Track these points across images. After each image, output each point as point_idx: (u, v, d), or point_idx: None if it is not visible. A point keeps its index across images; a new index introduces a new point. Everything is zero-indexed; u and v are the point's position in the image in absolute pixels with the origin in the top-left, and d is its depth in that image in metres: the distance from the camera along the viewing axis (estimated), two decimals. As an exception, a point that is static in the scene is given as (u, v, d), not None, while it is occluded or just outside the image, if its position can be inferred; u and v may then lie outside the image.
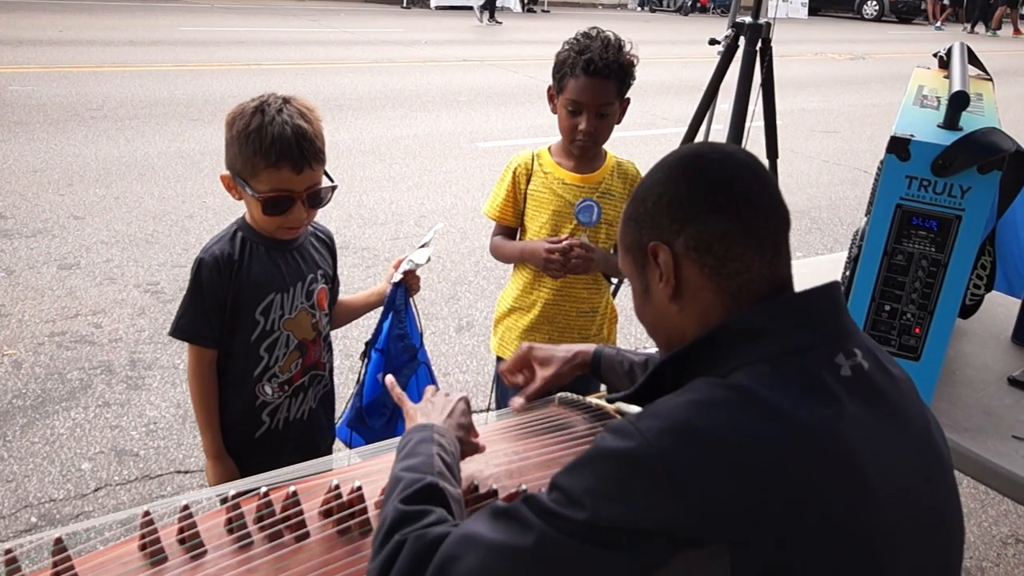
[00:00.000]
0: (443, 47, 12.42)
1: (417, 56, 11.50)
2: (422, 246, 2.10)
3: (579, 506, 0.94)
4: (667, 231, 1.08)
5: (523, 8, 18.59)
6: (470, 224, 5.35)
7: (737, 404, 0.95)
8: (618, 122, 2.18)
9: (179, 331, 1.83)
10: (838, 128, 9.07)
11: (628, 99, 2.17)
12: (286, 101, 1.77)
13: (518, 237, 2.32)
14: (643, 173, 2.25)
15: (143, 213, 5.18)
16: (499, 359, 2.41)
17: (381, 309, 2.09)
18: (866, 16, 22.76)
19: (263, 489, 1.36)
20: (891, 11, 22.61)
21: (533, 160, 2.25)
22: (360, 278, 4.46)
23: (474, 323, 4.13)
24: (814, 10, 22.24)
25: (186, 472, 2.86)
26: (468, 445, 1.39)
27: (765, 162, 3.12)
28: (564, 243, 2.13)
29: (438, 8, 17.40)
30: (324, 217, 5.35)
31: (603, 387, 1.80)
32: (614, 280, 2.43)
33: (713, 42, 3.05)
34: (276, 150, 1.70)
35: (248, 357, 1.87)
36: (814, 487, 0.92)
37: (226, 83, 8.69)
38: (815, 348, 1.02)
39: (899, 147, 1.63)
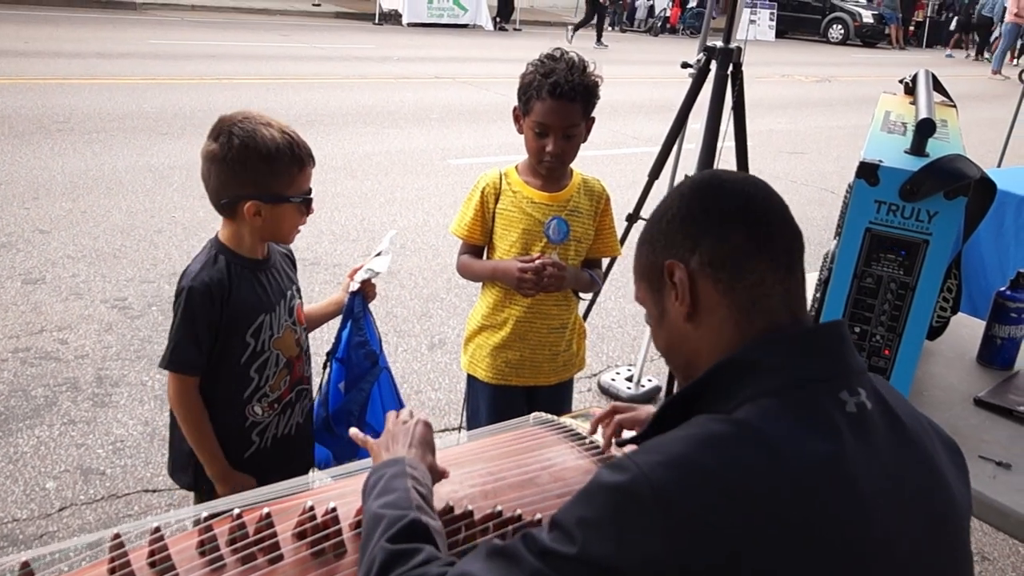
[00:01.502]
0: (415, 64, 12.44)
1: (389, 73, 11.50)
2: (378, 254, 2.10)
3: (571, 541, 0.94)
4: (682, 249, 1.09)
5: (494, 26, 18.68)
6: (442, 241, 5.34)
7: (734, 438, 0.95)
8: (584, 140, 2.21)
9: (175, 364, 1.81)
10: (805, 149, 9.20)
11: (593, 118, 2.19)
12: (255, 116, 1.81)
13: (485, 256, 2.33)
14: (608, 191, 2.31)
15: (111, 227, 5.12)
16: (470, 377, 2.41)
17: (339, 319, 2.10)
18: (832, 39, 23.17)
19: (236, 511, 1.34)
20: (856, 35, 23.03)
21: (501, 179, 2.26)
22: (331, 294, 4.43)
23: (446, 340, 4.12)
24: (781, 33, 22.60)
25: (154, 491, 2.82)
26: (435, 471, 1.38)
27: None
28: (537, 262, 2.14)
29: (410, 25, 17.43)
30: (295, 233, 5.23)
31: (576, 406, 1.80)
32: (584, 296, 2.45)
33: (685, 65, 3.09)
34: (300, 152, 1.80)
35: (237, 379, 1.86)
36: (808, 523, 0.92)
37: (196, 97, 8.62)
38: (820, 382, 1.01)
39: (868, 172, 1.66)
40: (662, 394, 3.80)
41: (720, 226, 1.07)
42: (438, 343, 4.11)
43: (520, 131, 2.20)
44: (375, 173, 6.71)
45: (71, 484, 2.82)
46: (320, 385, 2.14)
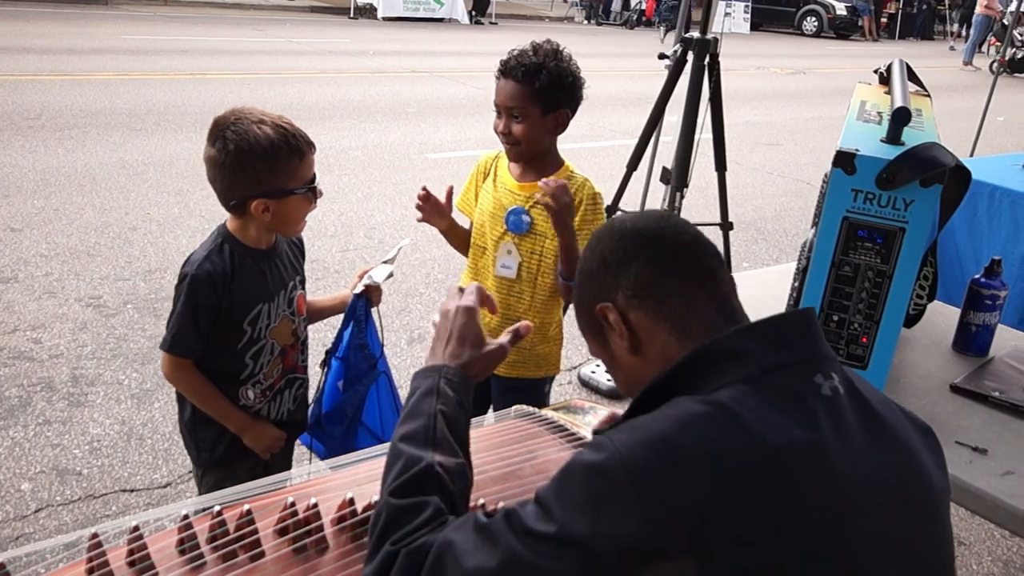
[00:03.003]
0: (391, 58, 12.38)
1: (365, 67, 11.44)
2: (385, 261, 2.10)
3: (550, 519, 0.94)
4: (607, 292, 1.15)
5: (471, 20, 18.63)
6: (420, 236, 5.30)
7: (711, 418, 0.96)
8: (552, 133, 2.17)
9: (174, 347, 1.85)
10: (781, 141, 9.26)
11: (565, 111, 2.15)
12: (248, 113, 1.81)
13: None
14: (597, 189, 2.29)
15: (84, 225, 5.06)
16: None
17: (342, 317, 2.09)
18: (806, 32, 23.29)
19: (216, 508, 1.33)
20: (830, 27, 23.17)
21: (495, 160, 2.30)
22: (310, 290, 4.39)
23: (426, 335, 4.10)
24: (756, 25, 22.68)
25: (132, 491, 2.79)
26: (482, 361, 1.31)
27: (713, 175, 3.18)
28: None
29: (385, 19, 17.34)
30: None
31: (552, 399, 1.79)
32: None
33: (662, 56, 3.09)
34: (298, 142, 1.80)
35: (233, 363, 1.90)
36: (785, 506, 0.93)
37: (170, 93, 8.54)
38: (793, 367, 1.03)
39: (845, 161, 1.67)
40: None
41: (632, 260, 1.13)
42: (417, 338, 4.10)
43: None
44: (352, 168, 6.67)
45: (47, 485, 2.79)
46: (319, 382, 2.13)
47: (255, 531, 1.30)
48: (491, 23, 19.00)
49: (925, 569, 1.03)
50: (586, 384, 3.76)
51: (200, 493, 2.04)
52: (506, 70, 2.09)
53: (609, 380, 3.72)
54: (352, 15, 17.41)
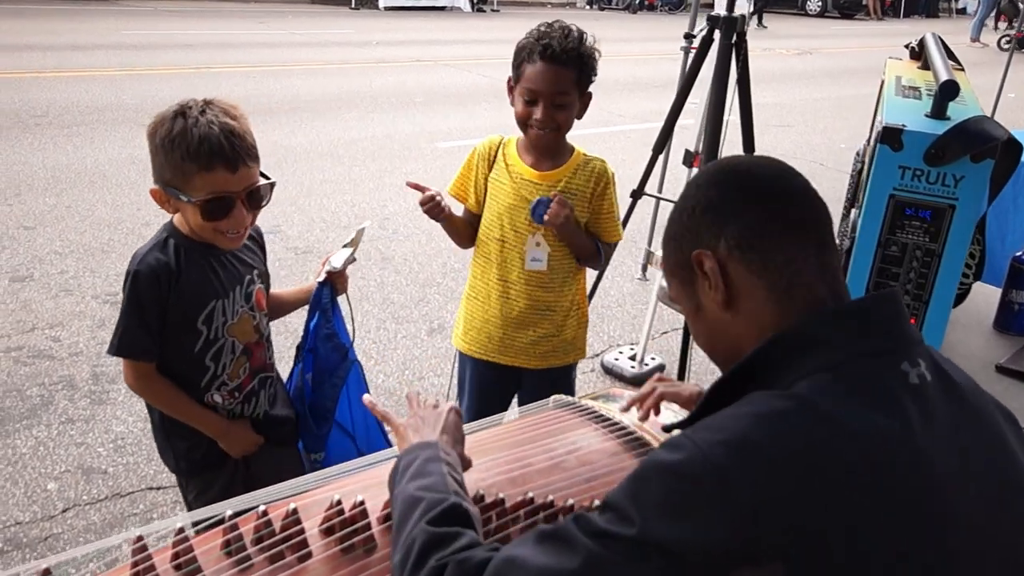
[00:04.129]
0: (395, 48, 12.30)
1: (369, 57, 11.37)
2: (345, 245, 2.03)
3: (628, 522, 0.89)
4: (707, 237, 1.07)
5: (472, 7, 18.52)
6: (435, 226, 5.18)
7: (797, 414, 0.91)
8: (579, 117, 2.12)
9: (122, 349, 1.75)
10: (792, 122, 9.17)
11: (590, 93, 2.11)
12: (207, 103, 1.71)
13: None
14: (611, 170, 2.24)
15: (96, 222, 5.03)
16: (458, 351, 2.36)
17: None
18: (810, 12, 23.13)
19: (261, 507, 1.30)
20: (833, 7, 23.00)
21: (500, 147, 2.19)
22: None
23: (445, 325, 4.07)
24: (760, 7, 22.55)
25: (158, 488, 2.76)
26: (464, 460, 1.32)
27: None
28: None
29: (387, 9, 17.25)
30: (287, 221, 5.23)
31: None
32: (592, 268, 2.36)
33: (689, 36, 3.03)
34: (206, 151, 1.64)
35: (193, 368, 1.81)
36: (880, 496, 0.88)
37: (175, 87, 8.48)
38: (879, 355, 0.97)
39: (892, 137, 1.62)
40: (666, 372, 3.77)
41: (743, 209, 1.05)
42: (437, 328, 4.06)
43: (513, 104, 2.12)
44: (362, 159, 6.62)
45: (73, 484, 2.76)
46: (290, 375, 2.08)
47: (301, 531, 1.27)
48: (493, 11, 18.90)
49: (1020, 559, 0.99)
50: (609, 371, 3.72)
51: (186, 501, 1.96)
52: (550, 54, 1.98)
53: (633, 367, 3.68)
54: (353, 5, 17.34)
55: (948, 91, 1.63)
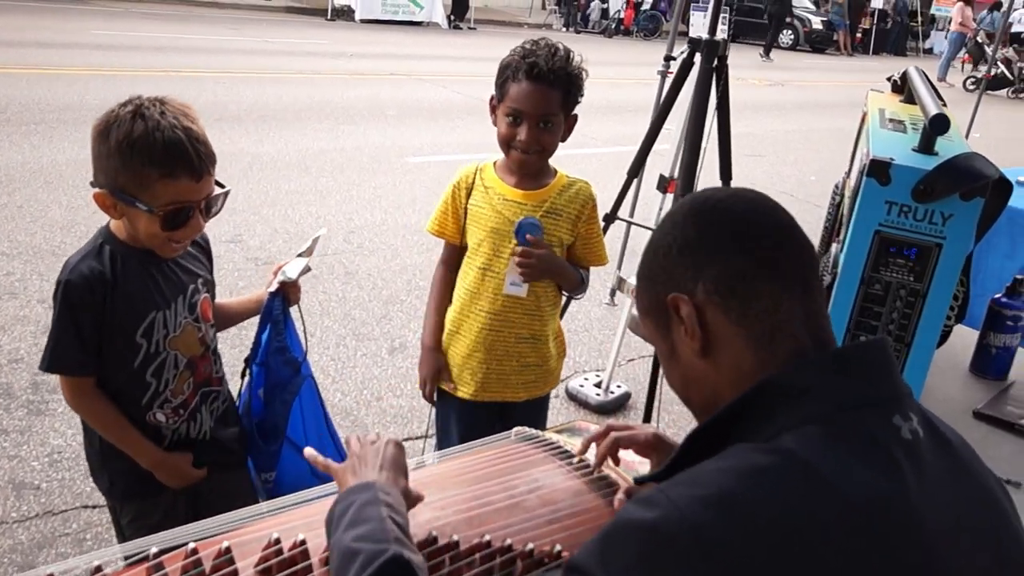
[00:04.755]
0: (369, 60, 12.20)
1: (343, 69, 11.26)
2: (300, 255, 1.92)
3: None
4: (684, 280, 0.99)
5: (449, 25, 18.49)
6: (401, 241, 5.18)
7: (783, 472, 0.83)
8: (563, 139, 2.05)
9: (55, 364, 1.62)
10: (763, 152, 9.21)
11: (575, 115, 2.04)
12: (161, 102, 1.59)
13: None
14: (595, 193, 2.17)
15: (49, 223, 4.84)
16: (439, 389, 2.25)
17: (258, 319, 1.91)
18: (782, 45, 23.43)
19: (191, 545, 1.18)
20: (805, 40, 23.31)
21: (476, 173, 2.10)
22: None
23: (407, 344, 3.96)
24: (732, 37, 22.79)
25: (94, 507, 2.61)
26: (409, 496, 1.22)
27: (717, 181, 3.07)
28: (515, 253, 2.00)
29: (363, 21, 17.15)
30: (248, 231, 5.08)
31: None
32: (576, 296, 2.29)
33: (668, 59, 2.98)
34: (171, 158, 1.52)
35: (133, 385, 1.68)
36: (867, 568, 0.80)
37: (143, 90, 8.05)
38: (870, 407, 0.90)
39: (879, 171, 1.56)
40: (632, 401, 3.69)
41: (723, 251, 0.98)
42: (399, 347, 3.94)
43: (495, 123, 2.04)
44: (331, 170, 6.49)
45: (1, 500, 2.60)
46: (239, 391, 1.96)
47: (235, 572, 1.16)
48: (470, 28, 18.89)
49: None
50: (574, 398, 3.63)
51: (119, 530, 1.83)
52: (536, 73, 1.90)
53: (598, 395, 3.59)
54: (329, 17, 17.21)
55: (938, 125, 1.57)
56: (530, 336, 2.14)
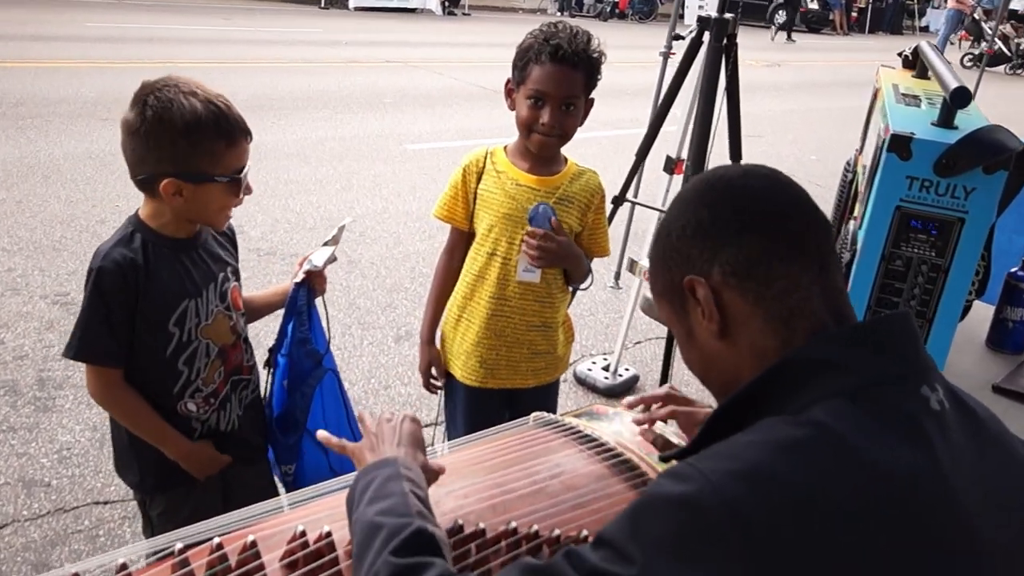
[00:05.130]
0: (365, 48, 12.13)
1: (338, 57, 11.19)
2: (325, 244, 1.90)
3: (627, 560, 0.80)
4: (699, 262, 0.97)
5: (443, 11, 18.38)
6: (403, 228, 5.15)
7: (817, 445, 0.82)
8: (581, 123, 2.02)
9: (82, 352, 1.61)
10: (762, 132, 9.16)
11: (592, 99, 2.01)
12: (181, 80, 1.62)
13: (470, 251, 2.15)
14: (602, 181, 2.15)
15: (49, 218, 4.81)
16: (448, 375, 2.23)
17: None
18: (777, 24, 23.35)
19: (216, 540, 1.16)
20: (801, 21, 23.22)
21: (486, 157, 2.07)
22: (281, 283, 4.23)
23: (413, 332, 3.93)
24: (729, 18, 22.65)
25: (105, 503, 2.59)
26: (428, 471, 1.22)
27: (726, 161, 3.04)
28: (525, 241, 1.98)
29: (357, 9, 17.05)
30: (250, 221, 5.06)
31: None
32: (582, 287, 2.27)
33: (677, 38, 2.95)
34: (229, 126, 1.58)
35: (165, 374, 1.67)
36: (906, 538, 0.79)
37: (137, 81, 8.05)
38: (897, 380, 0.88)
39: (900, 146, 1.53)
40: (640, 383, 3.67)
41: (738, 232, 0.96)
42: (405, 335, 3.92)
43: (512, 107, 2.01)
44: (330, 159, 6.46)
45: (12, 498, 2.58)
46: (266, 382, 1.95)
47: (261, 567, 1.14)
48: (464, 14, 18.79)
49: None
50: (582, 382, 3.61)
51: (148, 522, 1.82)
52: (561, 55, 1.87)
53: (607, 378, 3.58)
54: (323, 5, 17.12)
55: (959, 98, 1.55)
56: (541, 324, 2.12)
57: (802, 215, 0.97)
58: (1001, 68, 17.16)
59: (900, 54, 2.47)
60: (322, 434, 1.34)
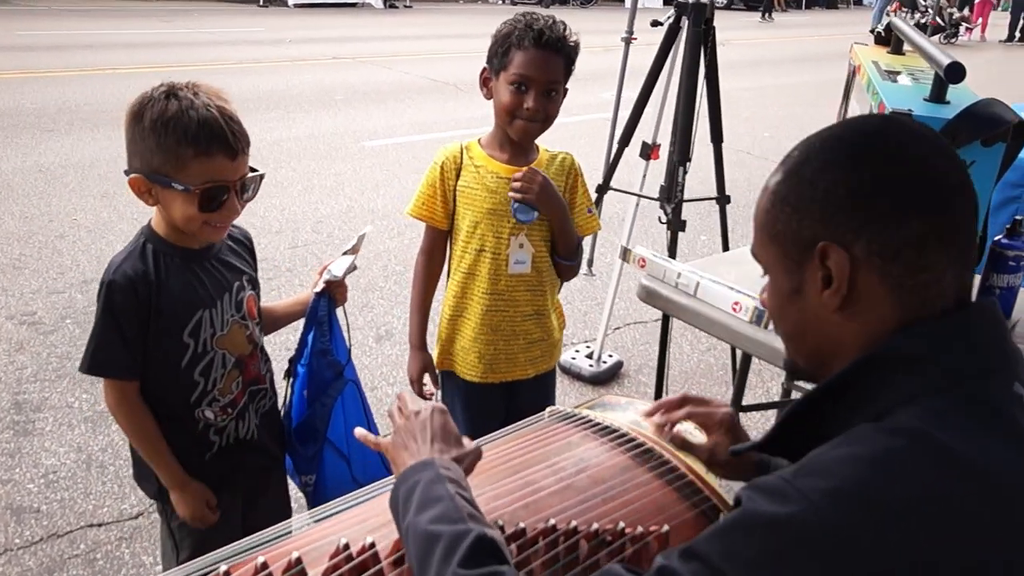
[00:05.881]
0: (310, 45, 11.98)
1: (284, 55, 11.03)
2: (345, 253, 1.88)
3: None
4: (844, 230, 0.88)
5: (384, 4, 18.22)
6: (373, 226, 5.10)
7: (917, 456, 0.79)
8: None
9: (95, 366, 1.59)
10: (714, 112, 9.27)
11: (567, 88, 2.01)
12: (195, 85, 1.57)
13: (449, 242, 2.13)
14: (578, 161, 2.14)
15: (6, 236, 4.67)
16: (443, 374, 2.21)
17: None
18: (717, 4, 23.56)
19: (261, 560, 1.14)
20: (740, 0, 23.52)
21: (462, 153, 2.04)
22: (263, 291, 4.15)
23: (393, 331, 3.91)
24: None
25: (100, 525, 2.53)
26: (467, 459, 1.21)
27: (709, 147, 3.06)
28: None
29: (296, 6, 16.82)
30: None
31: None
32: (568, 262, 2.25)
33: (656, 23, 2.95)
34: (206, 135, 1.50)
35: (181, 385, 1.65)
36: (1019, 551, 0.78)
37: (81, 90, 8.04)
38: (991, 375, 0.85)
39: (900, 123, 1.55)
40: (624, 369, 3.70)
41: (903, 208, 0.86)
42: (385, 335, 3.89)
43: (488, 96, 1.98)
44: (288, 160, 6.37)
45: (2, 527, 2.50)
46: (286, 393, 1.92)
47: (308, 583, 1.12)
48: (405, 7, 18.66)
49: None
50: (567, 371, 3.62)
51: (170, 534, 1.78)
52: (545, 40, 1.87)
53: (591, 366, 3.59)
54: (262, 3, 16.88)
55: (954, 73, 1.58)
56: (534, 312, 2.11)
57: (968, 198, 0.89)
58: (936, 38, 17.55)
59: (872, 31, 2.50)
60: (359, 431, 1.33)
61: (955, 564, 0.76)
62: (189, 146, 1.51)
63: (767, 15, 20.04)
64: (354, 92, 9.01)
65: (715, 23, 2.72)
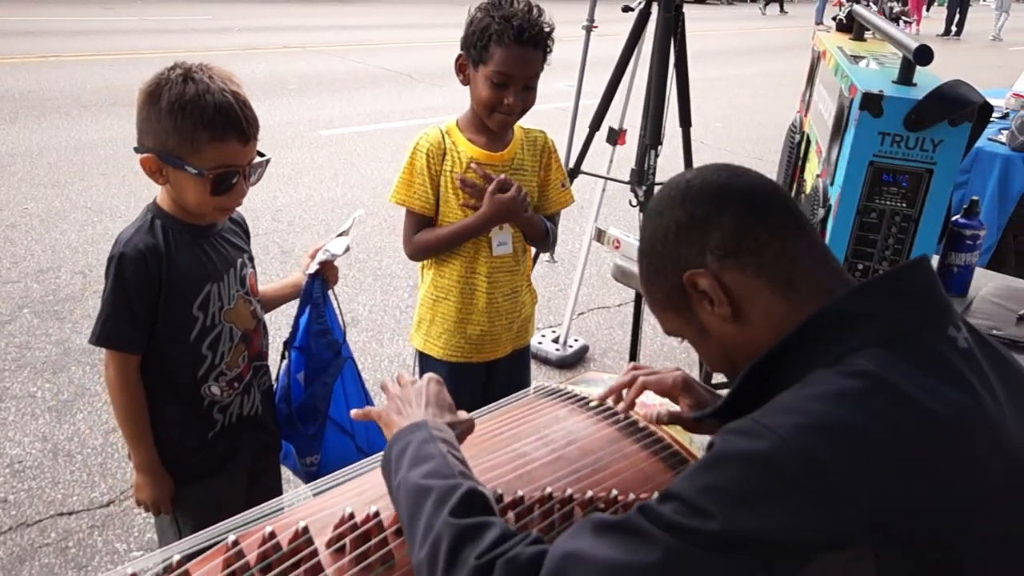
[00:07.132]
0: (259, 34, 11.80)
1: (234, 44, 10.86)
2: (339, 235, 1.91)
3: (706, 515, 0.83)
4: (691, 257, 1.03)
5: (333, -7, 18.02)
6: (331, 215, 5.07)
7: (874, 393, 0.86)
8: None
9: (105, 337, 1.60)
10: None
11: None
12: (208, 67, 1.60)
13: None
14: (552, 139, 2.17)
15: (-46, 226, 4.55)
16: (422, 356, 2.23)
17: (297, 303, 1.89)
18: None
19: (268, 529, 1.15)
20: (687, -8, 23.79)
21: (444, 138, 2.04)
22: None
23: (359, 318, 3.91)
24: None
25: (70, 514, 2.50)
26: (460, 427, 1.25)
27: (678, 130, 3.11)
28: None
29: (243, -6, 16.54)
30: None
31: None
32: (542, 248, 2.29)
33: (627, 9, 2.99)
34: (222, 120, 1.53)
35: (189, 358, 1.67)
36: (967, 476, 0.85)
37: (23, 78, 7.82)
38: (926, 324, 0.94)
39: (872, 103, 1.62)
40: (590, 352, 3.75)
41: (717, 215, 1.02)
42: (351, 322, 3.88)
43: (464, 82, 2.00)
44: (243, 149, 6.28)
45: (-31, 518, 2.47)
46: (277, 375, 1.93)
47: (315, 552, 1.14)
48: (355, -5, 18.45)
49: None
50: (534, 356, 3.65)
51: (173, 517, 1.78)
52: (526, 37, 1.88)
53: (558, 350, 3.64)
54: (207, -10, 16.51)
55: (922, 56, 1.64)
56: (511, 291, 2.15)
57: (762, 186, 1.04)
58: (877, 31, 17.96)
59: (835, 18, 2.58)
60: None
61: (912, 489, 0.82)
62: (205, 130, 1.53)
63: (776, 4, 20.43)
64: (308, 81, 8.92)
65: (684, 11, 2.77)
